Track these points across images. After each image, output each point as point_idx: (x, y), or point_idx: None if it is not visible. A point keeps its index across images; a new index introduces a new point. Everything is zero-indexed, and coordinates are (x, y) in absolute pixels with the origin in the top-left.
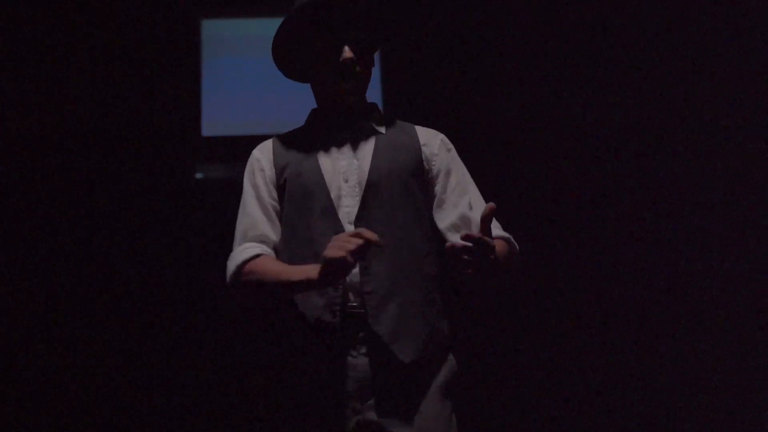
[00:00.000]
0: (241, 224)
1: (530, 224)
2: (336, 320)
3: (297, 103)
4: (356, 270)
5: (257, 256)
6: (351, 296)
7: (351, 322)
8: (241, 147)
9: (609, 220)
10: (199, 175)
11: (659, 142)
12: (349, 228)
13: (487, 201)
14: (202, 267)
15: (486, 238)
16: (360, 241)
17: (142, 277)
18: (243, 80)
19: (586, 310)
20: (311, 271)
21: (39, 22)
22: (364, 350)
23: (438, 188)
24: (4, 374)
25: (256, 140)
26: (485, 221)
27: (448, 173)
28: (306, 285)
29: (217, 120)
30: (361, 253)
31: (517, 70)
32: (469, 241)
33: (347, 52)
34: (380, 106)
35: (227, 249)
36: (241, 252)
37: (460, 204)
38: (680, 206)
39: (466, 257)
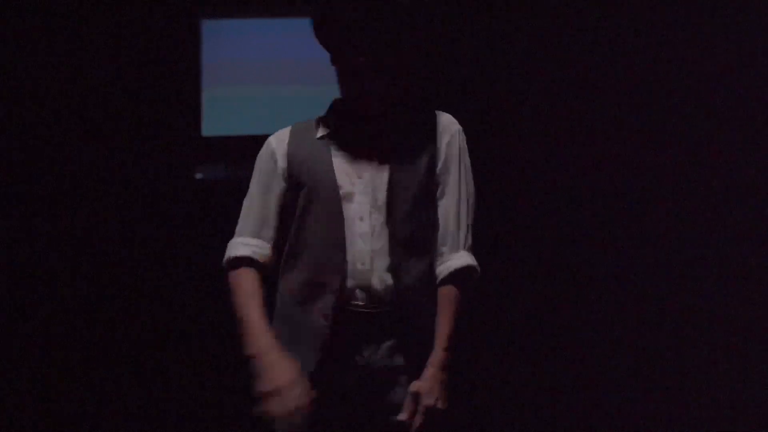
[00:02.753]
0: (245, 213)
1: (534, 223)
2: (341, 319)
3: (297, 102)
4: (366, 268)
5: (246, 260)
6: (357, 294)
7: (356, 322)
8: (241, 147)
9: (616, 221)
10: (199, 175)
11: (661, 140)
12: (357, 224)
13: (486, 200)
14: (202, 267)
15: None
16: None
17: (141, 277)
18: (243, 80)
19: (589, 312)
20: (262, 349)
21: (38, 22)
22: (366, 352)
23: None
24: (4, 374)
25: (256, 140)
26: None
27: (447, 170)
28: (247, 348)
29: (217, 120)
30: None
31: (519, 66)
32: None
33: (361, 55)
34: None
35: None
36: (235, 247)
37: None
38: (680, 206)
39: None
